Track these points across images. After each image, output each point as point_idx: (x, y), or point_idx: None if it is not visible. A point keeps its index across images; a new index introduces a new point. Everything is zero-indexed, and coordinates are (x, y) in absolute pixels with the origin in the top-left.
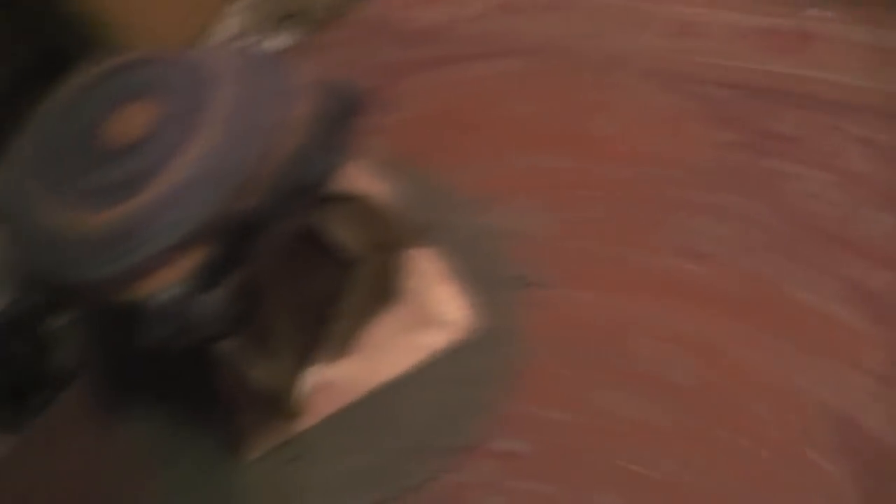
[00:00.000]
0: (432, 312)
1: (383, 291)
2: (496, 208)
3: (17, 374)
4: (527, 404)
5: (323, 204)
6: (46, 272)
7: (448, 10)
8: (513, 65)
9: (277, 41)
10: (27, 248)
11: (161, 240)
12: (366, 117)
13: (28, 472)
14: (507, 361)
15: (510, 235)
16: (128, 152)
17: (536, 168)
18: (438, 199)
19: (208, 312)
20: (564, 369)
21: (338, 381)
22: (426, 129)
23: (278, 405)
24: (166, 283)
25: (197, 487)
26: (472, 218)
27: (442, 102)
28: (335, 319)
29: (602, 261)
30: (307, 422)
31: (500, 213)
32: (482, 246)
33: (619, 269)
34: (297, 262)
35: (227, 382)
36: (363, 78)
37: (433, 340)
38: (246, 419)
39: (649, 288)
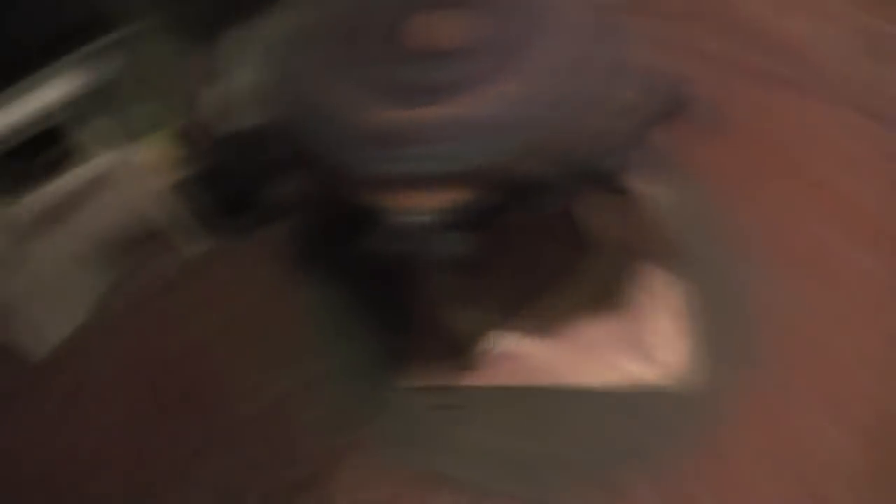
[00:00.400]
0: (648, 340)
1: (611, 295)
2: (762, 263)
3: (240, 190)
4: (695, 483)
5: (599, 190)
6: (314, 144)
7: (807, 27)
8: (853, 119)
9: None
10: (301, 116)
11: (439, 164)
12: (680, 120)
13: (208, 282)
14: (697, 431)
15: (761, 298)
16: (432, 59)
17: (827, 244)
18: (708, 227)
19: (446, 251)
20: (749, 468)
21: (526, 359)
22: (729, 148)
23: (461, 350)
24: (422, 207)
25: (349, 384)
26: (732, 262)
27: (760, 128)
28: (554, 300)
29: (845, 373)
30: (479, 380)
31: (763, 269)
32: (728, 296)
33: (859, 399)
34: (544, 229)
35: (425, 307)
36: (685, 65)
37: (636, 370)
38: (425, 348)
39: (882, 429)
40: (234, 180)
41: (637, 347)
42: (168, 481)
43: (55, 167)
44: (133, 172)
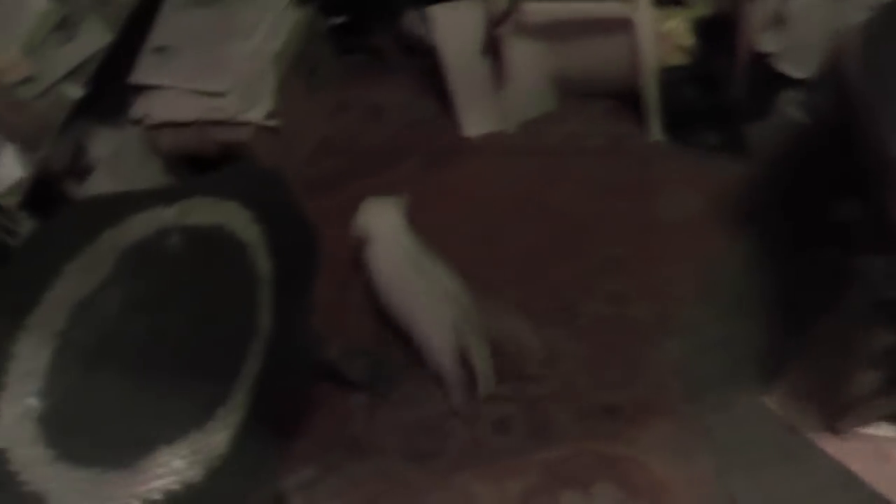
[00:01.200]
0: None
1: None
2: None
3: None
4: None
5: None
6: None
7: None
8: None
9: None
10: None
11: None
12: None
13: (653, 169)
14: None
15: None
16: None
17: None
18: None
19: None
20: None
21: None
22: None
23: (837, 407)
24: None
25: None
26: None
27: None
28: None
29: None
30: (830, 447)
31: None
32: None
33: None
34: None
35: (834, 345)
36: None
37: None
38: (804, 379)
39: None
40: (708, 90)
41: None
42: None
43: None
44: (645, 32)
